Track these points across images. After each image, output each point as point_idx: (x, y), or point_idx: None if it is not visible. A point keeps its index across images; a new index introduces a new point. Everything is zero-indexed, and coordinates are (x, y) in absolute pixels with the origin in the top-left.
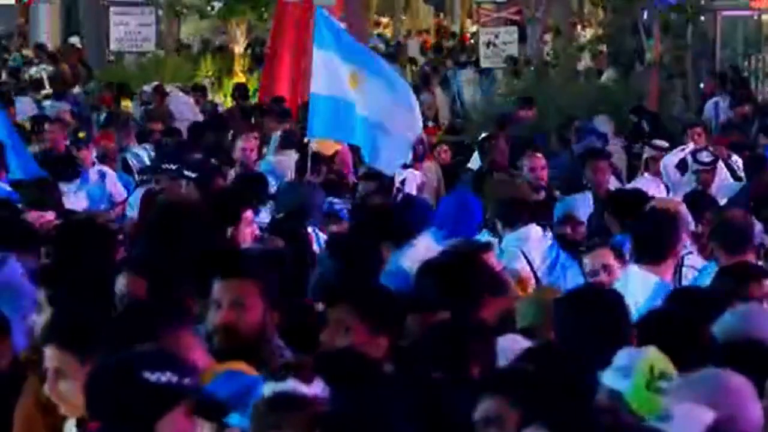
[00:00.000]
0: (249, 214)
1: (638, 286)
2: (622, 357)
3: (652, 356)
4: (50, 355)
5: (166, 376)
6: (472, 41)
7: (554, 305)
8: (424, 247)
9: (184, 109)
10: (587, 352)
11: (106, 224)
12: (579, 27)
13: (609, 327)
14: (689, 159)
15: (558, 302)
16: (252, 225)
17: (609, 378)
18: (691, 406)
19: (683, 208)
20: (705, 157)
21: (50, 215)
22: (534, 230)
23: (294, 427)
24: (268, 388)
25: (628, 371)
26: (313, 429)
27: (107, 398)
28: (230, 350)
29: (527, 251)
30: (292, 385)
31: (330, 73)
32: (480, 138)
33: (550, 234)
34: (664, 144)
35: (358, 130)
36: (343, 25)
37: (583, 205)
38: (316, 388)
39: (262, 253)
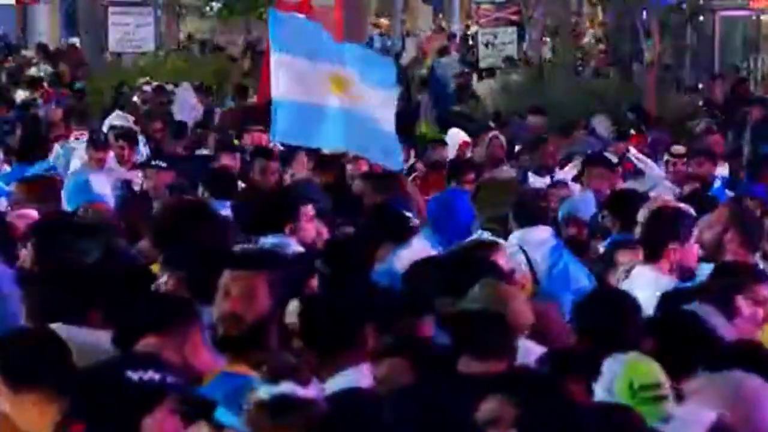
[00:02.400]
0: (309, 209)
1: (645, 284)
2: (604, 372)
3: (629, 369)
4: None
5: (148, 375)
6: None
7: (572, 308)
8: (419, 249)
9: (184, 108)
10: (600, 353)
11: (90, 221)
12: (578, 27)
13: (620, 331)
14: None
15: (575, 305)
16: (314, 221)
17: (598, 394)
18: (693, 407)
19: (683, 208)
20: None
21: (34, 214)
22: (539, 231)
23: (292, 430)
24: (265, 391)
25: (611, 390)
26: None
27: (91, 398)
28: (234, 340)
29: (528, 251)
30: (289, 387)
31: (292, 78)
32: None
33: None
34: (682, 150)
35: (337, 134)
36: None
37: (587, 205)
38: (313, 391)
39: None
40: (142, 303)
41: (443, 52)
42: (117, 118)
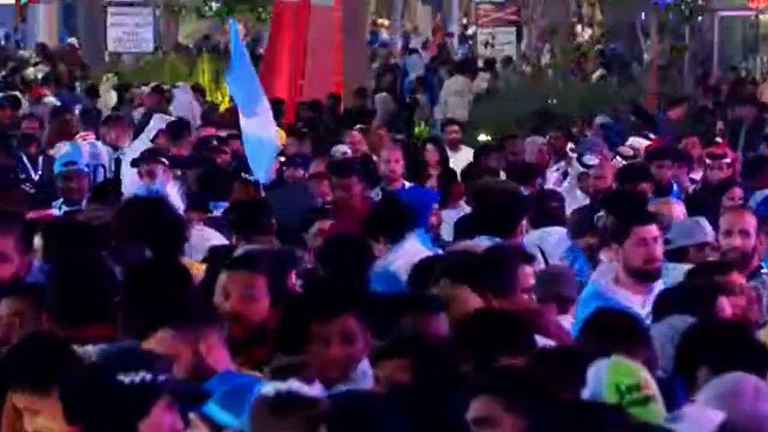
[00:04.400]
0: None
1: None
2: (589, 378)
3: (614, 373)
4: (14, 398)
5: (139, 376)
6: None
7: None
8: (412, 251)
9: (182, 108)
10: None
11: (88, 222)
12: (578, 27)
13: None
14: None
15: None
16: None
17: None
18: (703, 406)
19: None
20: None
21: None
22: (555, 231)
23: (297, 428)
24: (270, 388)
25: (599, 396)
26: (316, 429)
27: (85, 406)
28: (235, 340)
29: (545, 251)
30: (295, 385)
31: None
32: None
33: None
34: (629, 152)
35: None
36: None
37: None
38: (317, 389)
39: (267, 252)
40: (160, 296)
41: (441, 50)
42: (161, 120)
